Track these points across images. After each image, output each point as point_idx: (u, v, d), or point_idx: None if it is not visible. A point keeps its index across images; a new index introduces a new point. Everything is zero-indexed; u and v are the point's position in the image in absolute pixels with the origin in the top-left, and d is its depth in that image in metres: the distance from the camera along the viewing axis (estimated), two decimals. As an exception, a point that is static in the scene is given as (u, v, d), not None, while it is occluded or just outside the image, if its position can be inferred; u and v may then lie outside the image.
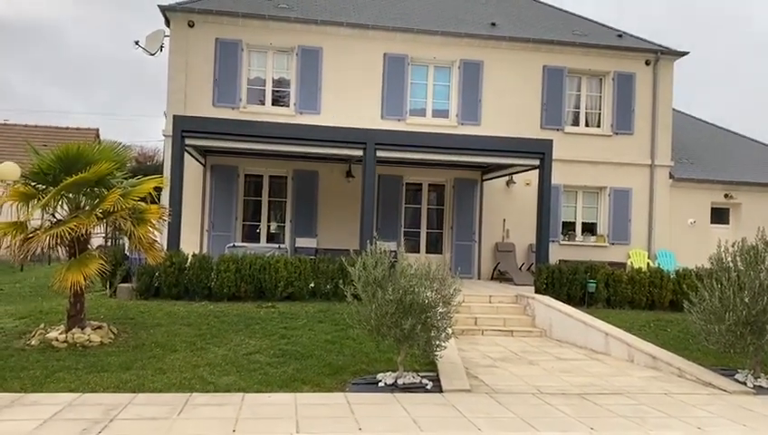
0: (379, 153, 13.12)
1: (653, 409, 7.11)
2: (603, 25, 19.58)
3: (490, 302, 12.63)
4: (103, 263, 9.07)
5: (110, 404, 6.47)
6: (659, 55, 18.06)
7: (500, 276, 16.55)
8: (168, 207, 11.40)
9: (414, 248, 17.00)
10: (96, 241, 15.70)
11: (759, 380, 8.33)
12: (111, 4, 74.09)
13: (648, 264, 16.60)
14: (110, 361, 7.99)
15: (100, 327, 9.12)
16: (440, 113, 17.41)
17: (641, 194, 17.95)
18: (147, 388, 7.09)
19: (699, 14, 72.36)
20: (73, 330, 8.82)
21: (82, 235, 8.80)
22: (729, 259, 8.62)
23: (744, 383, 8.26)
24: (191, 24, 16.20)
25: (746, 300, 8.09)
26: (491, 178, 17.03)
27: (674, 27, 70.25)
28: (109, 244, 18.24)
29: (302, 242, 16.16)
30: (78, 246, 8.99)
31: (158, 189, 10.55)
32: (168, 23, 16.38)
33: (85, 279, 8.72)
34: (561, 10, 20.46)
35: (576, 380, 8.41)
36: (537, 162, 13.80)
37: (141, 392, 6.95)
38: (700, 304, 8.63)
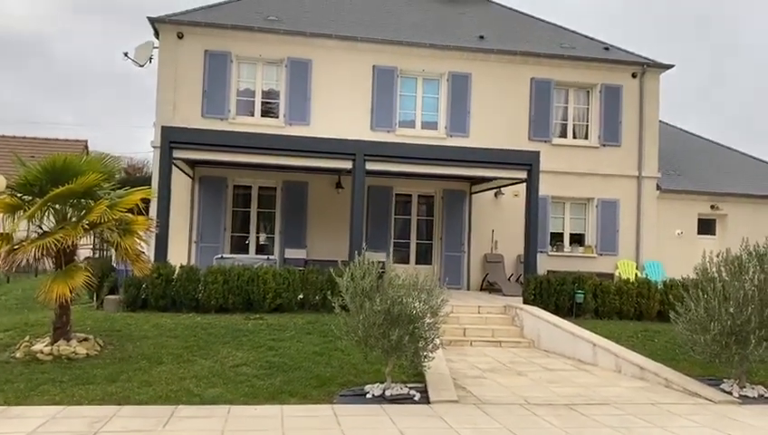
0: (369, 166, 13.14)
1: (639, 419, 7.14)
2: (590, 38, 19.78)
3: (479, 312, 12.65)
4: (90, 275, 9.01)
5: (95, 417, 6.43)
6: (645, 68, 18.27)
7: (489, 287, 16.59)
8: (155, 218, 11.36)
9: (404, 259, 17.03)
10: (84, 252, 15.62)
11: (744, 389, 8.37)
12: (103, 15, 74.12)
13: (636, 274, 16.69)
14: (95, 373, 7.93)
15: (86, 339, 9.06)
16: (429, 125, 17.50)
17: (629, 205, 18.07)
18: (132, 400, 7.04)
19: (687, 26, 73.22)
20: (59, 342, 8.75)
21: (68, 246, 8.76)
22: (714, 270, 8.70)
23: (730, 393, 8.31)
24: (180, 36, 16.24)
25: (731, 310, 8.15)
26: (479, 191, 17.10)
27: (663, 38, 71.00)
28: (97, 255, 18.14)
29: (291, 253, 16.13)
30: (64, 258, 8.94)
31: (147, 201, 10.53)
32: (157, 34, 16.41)
33: (71, 291, 8.66)
34: (548, 23, 20.65)
35: (563, 390, 8.43)
36: (524, 175, 13.88)
37: (127, 405, 6.91)
38: (686, 315, 8.69)
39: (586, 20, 71.32)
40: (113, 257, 12.07)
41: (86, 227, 8.97)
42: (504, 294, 15.03)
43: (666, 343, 10.84)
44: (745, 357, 8.25)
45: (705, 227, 19.05)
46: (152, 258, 11.96)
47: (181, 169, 14.73)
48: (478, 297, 14.67)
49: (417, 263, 17.11)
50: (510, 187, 16.45)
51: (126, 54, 16.56)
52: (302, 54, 16.74)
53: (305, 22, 17.51)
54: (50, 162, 8.91)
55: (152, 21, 16.13)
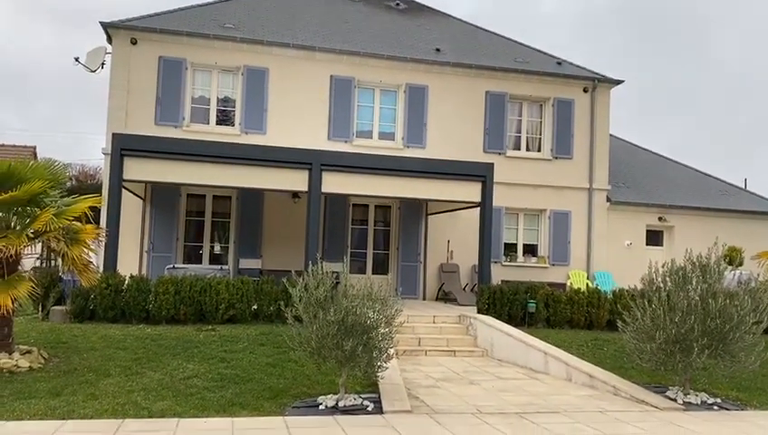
0: (325, 187, 13.01)
1: (588, 426, 7.27)
2: (544, 53, 20.23)
3: (434, 322, 12.72)
4: (34, 285, 8.73)
5: (36, 432, 6.21)
6: (596, 83, 18.78)
7: (444, 297, 16.71)
8: (105, 227, 11.10)
9: (361, 269, 17.02)
10: (30, 262, 15.13)
11: (688, 396, 8.62)
12: (54, 19, 72.24)
13: (587, 284, 17.03)
14: (38, 387, 7.66)
15: (29, 352, 8.76)
16: (387, 136, 17.60)
17: (580, 216, 18.49)
18: (77, 414, 6.82)
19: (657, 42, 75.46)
20: (0, 355, 8.43)
21: (11, 255, 8.46)
22: (659, 280, 8.94)
23: (675, 400, 8.55)
24: (134, 42, 15.96)
25: (676, 320, 8.40)
26: (435, 213, 17.15)
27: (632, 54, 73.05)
28: (44, 265, 17.59)
29: (246, 263, 15.95)
30: (7, 268, 8.64)
31: (97, 209, 10.27)
32: (109, 39, 16.10)
33: (14, 302, 8.37)
34: (503, 37, 21.04)
35: (515, 399, 8.54)
36: (478, 199, 14.00)
37: (70, 419, 6.68)
38: (633, 324, 8.92)
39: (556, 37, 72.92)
40: (60, 267, 11.72)
41: (30, 235, 8.71)
42: (460, 304, 15.16)
43: (615, 351, 11.09)
44: (689, 365, 8.50)
45: (654, 238, 19.63)
46: (101, 268, 11.69)
47: (131, 191, 14.24)
48: (434, 307, 14.76)
49: (373, 273, 17.13)
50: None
51: (77, 59, 16.18)
52: (258, 63, 16.65)
53: (262, 30, 17.43)
54: (-8, 168, 8.61)
55: (105, 26, 15.82)
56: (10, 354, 8.51)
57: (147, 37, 16.06)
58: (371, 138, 17.46)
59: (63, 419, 6.69)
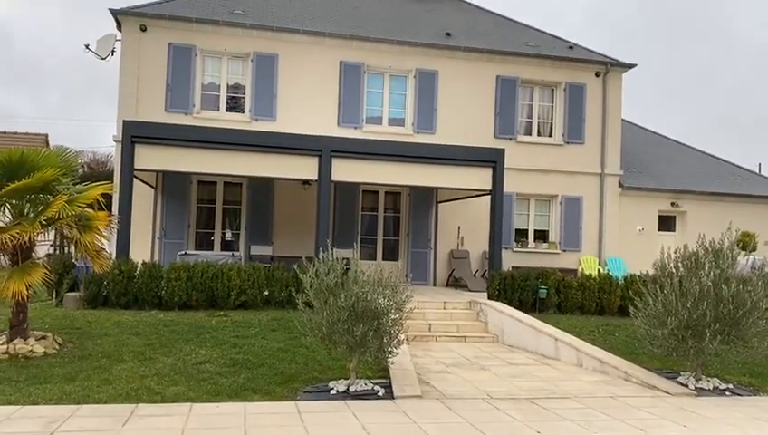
0: (335, 175, 13.01)
1: (599, 412, 7.27)
2: (555, 37, 20.04)
3: (444, 308, 12.73)
4: (48, 272, 8.82)
5: (51, 417, 6.29)
6: (609, 67, 18.58)
7: (455, 283, 16.72)
8: (116, 214, 11.16)
9: (371, 255, 17.04)
10: (43, 249, 15.27)
11: (700, 382, 8.59)
12: (65, 6, 72.29)
13: (599, 270, 16.98)
14: (53, 372, 7.76)
15: (44, 337, 8.87)
16: (396, 122, 17.54)
17: (592, 202, 18.38)
18: (91, 399, 6.91)
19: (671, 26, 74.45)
20: (15, 341, 8.55)
21: (25, 242, 8.54)
22: (671, 265, 8.89)
23: (686, 385, 8.52)
24: (143, 29, 15.96)
25: (688, 305, 8.35)
26: (444, 200, 17.10)
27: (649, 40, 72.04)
28: (57, 252, 17.75)
29: (257, 249, 16.01)
30: (21, 254, 8.73)
31: (109, 196, 10.33)
32: (119, 26, 16.10)
33: (28, 288, 8.45)
34: (514, 21, 20.86)
35: (526, 384, 8.54)
36: (489, 186, 13.95)
37: (85, 404, 6.77)
38: (645, 310, 8.88)
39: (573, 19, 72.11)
40: (73, 254, 11.82)
41: (44, 222, 8.77)
42: (470, 290, 15.16)
43: (626, 337, 11.06)
44: (701, 350, 8.45)
45: (666, 223, 19.50)
46: (114, 255, 11.78)
47: (142, 180, 14.24)
48: (444, 293, 14.77)
49: (383, 259, 17.14)
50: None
51: (87, 47, 16.25)
52: (268, 49, 16.60)
53: (271, 16, 17.37)
54: (5, 156, 8.66)
55: (114, 13, 15.81)
56: (25, 340, 8.61)
57: (156, 24, 16.05)
58: (381, 124, 17.40)
59: (78, 403, 6.78)
